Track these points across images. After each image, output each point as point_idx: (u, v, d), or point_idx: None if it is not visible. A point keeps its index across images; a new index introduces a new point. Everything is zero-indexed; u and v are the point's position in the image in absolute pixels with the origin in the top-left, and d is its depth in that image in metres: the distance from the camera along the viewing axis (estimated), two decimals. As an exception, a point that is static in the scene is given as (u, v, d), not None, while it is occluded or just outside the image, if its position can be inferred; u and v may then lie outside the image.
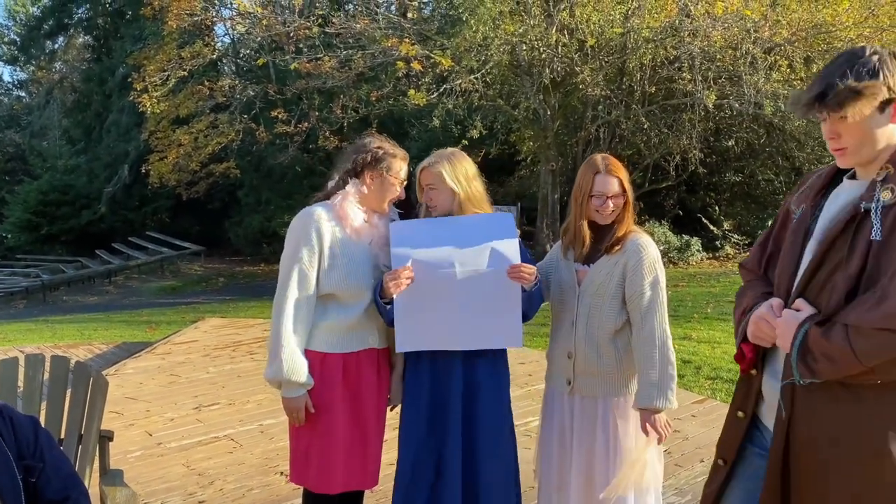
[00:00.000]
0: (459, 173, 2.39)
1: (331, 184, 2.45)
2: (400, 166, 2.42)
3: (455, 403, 2.36)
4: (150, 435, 4.64)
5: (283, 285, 2.31)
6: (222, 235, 22.83)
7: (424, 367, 2.39)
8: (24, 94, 33.90)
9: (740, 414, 1.69)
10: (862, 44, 1.61)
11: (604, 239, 2.39)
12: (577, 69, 12.11)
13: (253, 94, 16.10)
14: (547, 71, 12.23)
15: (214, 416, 5.04)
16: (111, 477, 2.35)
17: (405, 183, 2.47)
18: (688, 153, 13.49)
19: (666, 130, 13.59)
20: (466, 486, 2.36)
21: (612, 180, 2.37)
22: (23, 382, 2.42)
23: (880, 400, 1.44)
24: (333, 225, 2.33)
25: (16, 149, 30.87)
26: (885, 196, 1.44)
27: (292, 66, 13.66)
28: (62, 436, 2.33)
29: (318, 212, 2.34)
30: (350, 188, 2.39)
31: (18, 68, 33.04)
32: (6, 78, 37.14)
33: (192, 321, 9.82)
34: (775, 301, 1.61)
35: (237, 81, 17.55)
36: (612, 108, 13.28)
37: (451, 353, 2.37)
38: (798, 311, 1.53)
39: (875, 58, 1.46)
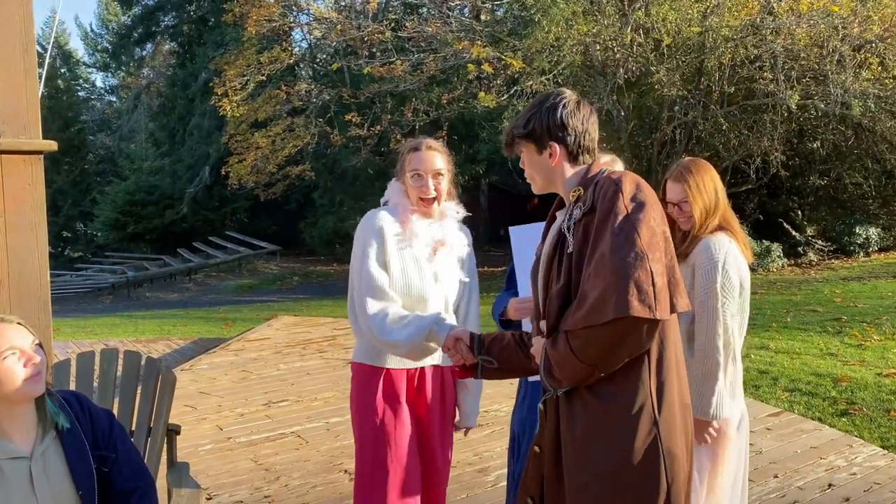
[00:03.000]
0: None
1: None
2: (411, 158, 2.25)
3: None
4: (221, 429, 4.78)
5: (358, 285, 2.18)
6: (297, 236, 23.41)
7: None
8: (114, 98, 35.71)
9: (536, 449, 1.74)
10: None
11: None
12: (653, 69, 11.83)
13: (328, 98, 16.45)
14: (621, 71, 11.99)
15: (283, 412, 5.15)
16: (177, 471, 2.43)
17: (437, 173, 2.25)
18: (769, 155, 12.97)
19: (746, 132, 13.11)
20: None
21: (676, 186, 2.30)
22: (98, 376, 2.52)
23: (620, 393, 1.55)
24: (395, 228, 2.23)
25: (106, 151, 32.55)
26: (576, 213, 1.62)
27: (366, 71, 13.87)
28: (133, 428, 2.42)
29: (381, 213, 2.27)
30: (394, 192, 2.32)
31: (110, 74, 34.86)
32: (99, 84, 39.15)
33: (266, 319, 10.09)
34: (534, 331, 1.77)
35: (313, 86, 17.98)
36: (689, 109, 12.91)
37: None
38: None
39: (536, 111, 1.72)
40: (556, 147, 1.69)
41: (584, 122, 1.71)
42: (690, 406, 1.67)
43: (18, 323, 1.73)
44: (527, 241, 2.26)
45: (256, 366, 6.66)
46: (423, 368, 2.25)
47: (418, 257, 2.23)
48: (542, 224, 2.30)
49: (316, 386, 5.86)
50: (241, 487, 3.78)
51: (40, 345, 1.74)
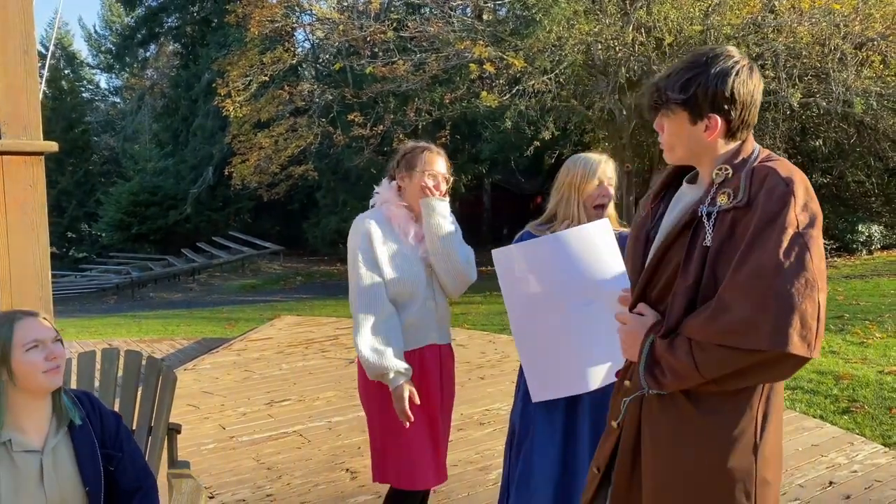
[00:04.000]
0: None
1: (376, 190, 2.54)
2: (428, 158, 2.42)
3: (584, 417, 2.34)
4: (224, 428, 4.80)
5: (354, 291, 2.36)
6: (301, 236, 23.44)
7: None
8: (118, 99, 35.80)
9: (613, 424, 1.64)
10: None
11: None
12: (655, 68, 11.82)
13: (331, 98, 16.46)
14: (623, 70, 11.99)
15: (285, 411, 5.17)
16: (178, 468, 2.44)
17: (445, 178, 2.46)
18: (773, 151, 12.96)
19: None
20: None
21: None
22: (99, 375, 2.54)
23: (724, 410, 1.43)
24: (382, 228, 2.38)
25: (110, 152, 32.64)
26: (722, 200, 1.41)
27: (368, 71, 13.88)
28: (134, 427, 2.44)
29: (367, 218, 2.41)
30: (385, 190, 2.47)
31: (114, 75, 34.95)
32: (103, 85, 39.28)
33: (269, 319, 10.11)
34: (621, 301, 1.62)
35: (316, 86, 18.00)
36: (690, 108, 12.90)
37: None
38: (641, 314, 1.53)
39: (700, 71, 1.46)
40: (717, 120, 1.45)
41: (755, 94, 1.47)
42: (782, 432, 1.54)
43: (43, 317, 1.77)
44: (512, 262, 2.29)
45: (259, 365, 6.68)
46: (422, 348, 2.42)
47: (407, 253, 2.40)
48: (526, 243, 2.32)
49: (318, 385, 5.87)
50: (244, 486, 3.79)
51: (60, 340, 1.77)
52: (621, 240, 2.33)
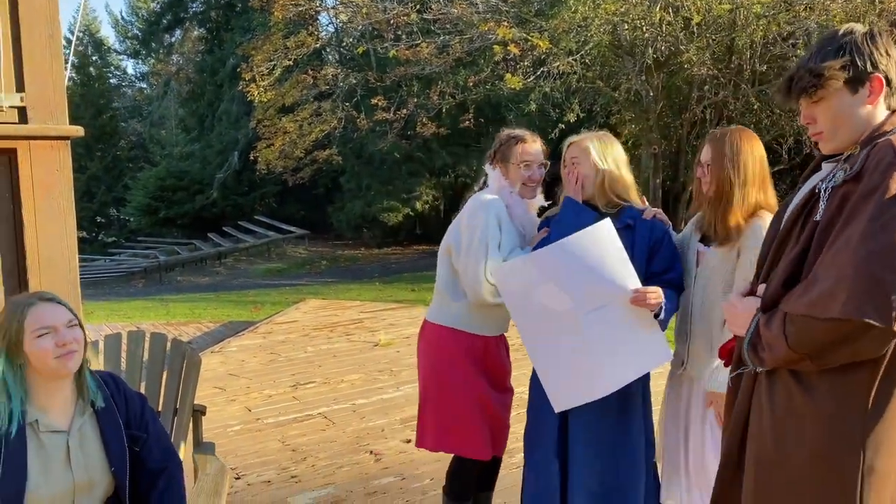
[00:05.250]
0: (607, 152, 2.37)
1: (483, 178, 2.67)
2: (523, 150, 2.55)
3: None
4: (249, 410, 4.85)
5: (476, 254, 2.44)
6: (325, 220, 23.53)
7: None
8: (145, 85, 36.08)
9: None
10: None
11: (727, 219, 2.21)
12: (683, 48, 11.61)
13: (354, 81, 16.41)
14: (650, 51, 11.79)
15: (310, 394, 5.21)
16: (203, 449, 2.47)
17: (540, 165, 2.60)
18: (802, 135, 12.68)
19: (778, 111, 12.82)
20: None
21: (708, 147, 2.26)
22: (125, 357, 2.57)
23: (830, 393, 1.38)
24: (505, 214, 2.50)
25: (138, 137, 32.97)
26: (839, 175, 1.38)
27: (391, 54, 13.81)
28: (159, 408, 2.46)
29: (496, 201, 2.50)
30: (496, 176, 2.57)
31: (140, 61, 35.19)
32: (130, 71, 39.60)
33: (294, 302, 10.19)
34: (743, 288, 1.59)
35: (340, 70, 17.96)
36: (719, 89, 12.66)
37: None
38: (759, 297, 1.51)
39: (847, 38, 1.39)
40: (880, 79, 1.39)
41: None
42: None
43: (58, 302, 1.77)
44: (518, 276, 2.28)
45: (284, 348, 6.74)
46: (498, 336, 2.64)
47: (519, 246, 2.53)
48: (529, 256, 2.30)
49: (342, 368, 5.91)
50: (269, 467, 3.84)
51: (78, 324, 1.78)
52: (630, 216, 2.31)
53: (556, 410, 2.28)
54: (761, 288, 1.51)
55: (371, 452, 4.04)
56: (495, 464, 2.76)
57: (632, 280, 2.17)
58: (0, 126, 2.75)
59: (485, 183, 2.65)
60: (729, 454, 1.58)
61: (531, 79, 11.67)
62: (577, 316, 2.17)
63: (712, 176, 2.23)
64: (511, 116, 15.32)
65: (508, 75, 11.40)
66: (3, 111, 2.77)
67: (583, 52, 11.44)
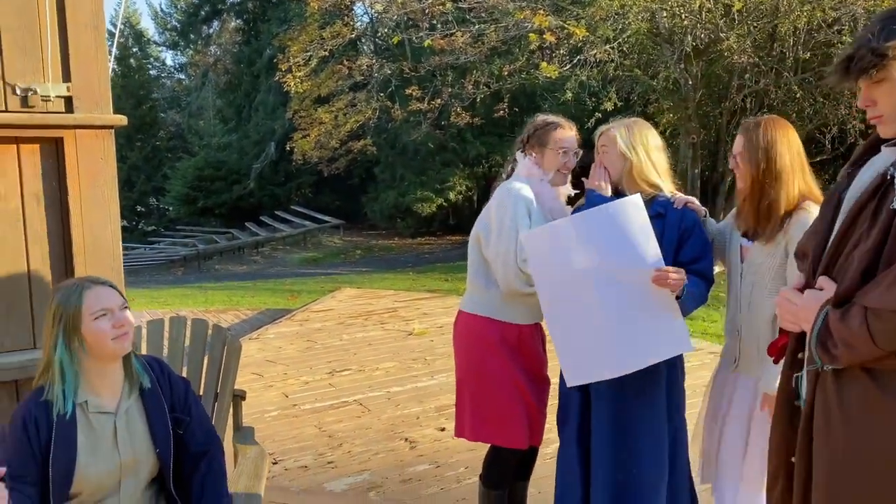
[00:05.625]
0: (636, 140, 2.33)
1: (510, 164, 2.64)
2: (559, 136, 2.54)
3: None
4: (287, 396, 4.92)
5: (507, 240, 2.43)
6: (360, 210, 23.68)
7: None
8: (183, 76, 36.59)
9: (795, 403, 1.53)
10: None
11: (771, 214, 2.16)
12: (723, 35, 11.37)
13: (389, 72, 16.44)
14: (689, 38, 11.58)
15: (346, 381, 5.26)
16: (243, 434, 2.51)
17: (575, 152, 2.59)
18: (846, 124, 12.36)
19: (821, 99, 12.51)
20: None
21: (740, 137, 2.21)
22: (167, 343, 2.63)
23: None
24: (533, 200, 2.48)
25: (176, 128, 33.50)
26: None
27: (426, 43, 13.78)
28: (200, 393, 2.51)
29: (524, 188, 2.49)
30: (525, 163, 2.55)
31: (179, 52, 35.70)
32: (169, 62, 40.20)
33: (329, 291, 10.28)
34: (798, 279, 1.50)
35: (374, 60, 18.00)
36: (760, 77, 12.38)
37: None
38: (821, 290, 1.41)
39: None
40: None
41: None
42: None
43: (110, 285, 1.82)
44: (541, 245, 2.25)
45: (320, 336, 6.82)
46: (533, 325, 2.61)
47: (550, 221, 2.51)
48: (553, 224, 2.29)
49: (377, 356, 5.95)
50: (306, 453, 3.89)
51: (128, 307, 1.83)
52: (661, 205, 2.27)
53: (568, 384, 2.27)
54: (822, 281, 1.43)
55: (406, 440, 4.07)
56: (532, 453, 2.75)
57: (655, 259, 2.12)
58: (47, 115, 2.82)
59: (512, 170, 2.63)
60: (781, 450, 1.52)
61: (567, 67, 11.56)
62: (597, 290, 2.14)
63: (744, 169, 2.18)
64: (546, 105, 15.19)
65: (544, 64, 11.30)
66: (50, 101, 2.84)
67: (620, 39, 11.29)
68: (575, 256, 2.17)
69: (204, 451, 1.92)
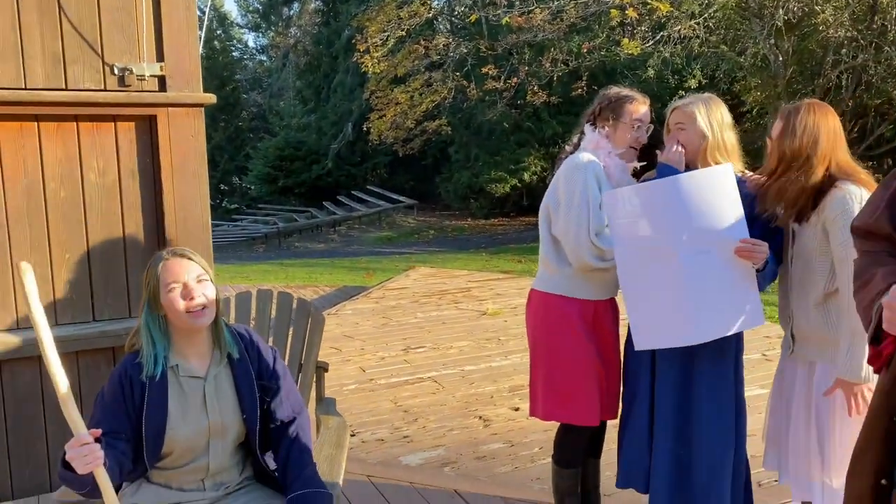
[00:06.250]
0: (713, 117, 2.30)
1: (577, 136, 2.57)
2: (635, 109, 2.45)
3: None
4: (363, 371, 5.02)
5: (577, 216, 2.36)
6: (433, 190, 23.79)
7: None
8: (265, 58, 37.48)
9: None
10: None
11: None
12: (818, 8, 10.79)
13: (465, 51, 16.37)
14: (780, 12, 11.03)
15: (420, 358, 5.32)
16: (325, 405, 2.58)
17: (647, 128, 2.51)
18: (954, 101, 11.56)
19: (927, 75, 11.73)
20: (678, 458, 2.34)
21: (778, 122, 2.19)
22: (254, 314, 2.71)
23: None
24: (603, 175, 2.42)
25: (258, 109, 34.40)
26: None
27: (504, 21, 13.64)
28: (285, 363, 2.58)
29: (592, 161, 2.41)
30: (594, 136, 2.48)
31: (260, 34, 36.58)
32: (251, 44, 41.27)
33: (404, 270, 10.40)
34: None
35: (451, 39, 17.95)
36: (858, 52, 11.69)
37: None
38: None
39: None
40: None
41: None
42: None
43: (188, 257, 1.86)
44: (625, 205, 2.22)
45: (396, 313, 6.91)
46: (607, 300, 2.55)
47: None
48: (640, 185, 2.24)
49: (452, 335, 5.99)
50: (382, 426, 3.96)
51: (208, 279, 1.86)
52: (740, 184, 2.22)
53: (637, 348, 2.27)
54: None
55: (480, 418, 4.08)
56: (603, 430, 2.73)
57: (741, 230, 2.10)
58: (142, 94, 2.94)
59: (577, 143, 2.55)
60: (869, 472, 1.35)
61: (650, 44, 11.24)
62: (678, 256, 2.12)
63: (773, 150, 2.18)
64: (626, 83, 14.82)
65: (625, 40, 11.02)
66: (144, 80, 2.95)
67: (706, 14, 10.87)
68: (662, 220, 2.15)
69: (291, 420, 1.97)
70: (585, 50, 12.91)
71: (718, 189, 2.10)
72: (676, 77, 12.41)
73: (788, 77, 12.35)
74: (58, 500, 1.98)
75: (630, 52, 10.96)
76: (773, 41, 11.66)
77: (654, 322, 2.22)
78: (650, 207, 2.16)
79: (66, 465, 1.59)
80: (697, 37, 11.30)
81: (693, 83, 11.36)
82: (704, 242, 2.11)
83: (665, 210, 2.14)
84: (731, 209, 2.10)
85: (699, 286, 2.13)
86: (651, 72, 11.38)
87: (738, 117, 16.33)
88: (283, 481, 1.90)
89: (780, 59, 11.98)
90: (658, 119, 2.49)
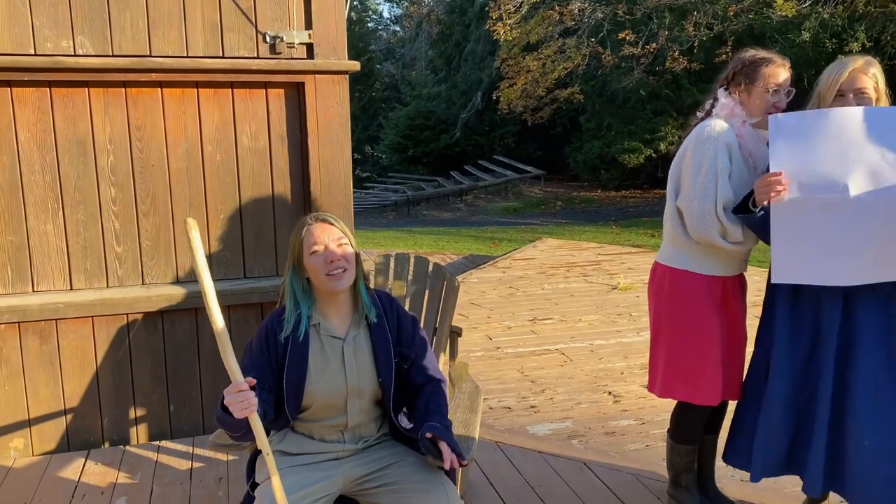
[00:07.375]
0: (881, 83, 2.17)
1: (709, 102, 2.44)
2: (772, 73, 2.28)
3: (829, 348, 2.18)
4: (490, 339, 5.05)
5: (703, 188, 2.25)
6: (562, 160, 23.39)
7: (807, 301, 2.23)
8: (398, 28, 38.05)
9: None
10: None
11: None
12: None
13: (602, 16, 15.84)
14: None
15: (547, 329, 5.29)
16: (458, 368, 2.61)
17: (787, 92, 2.32)
18: None
19: None
20: (835, 448, 2.18)
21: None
22: (392, 276, 2.78)
23: None
24: (736, 144, 2.29)
25: (391, 79, 35.06)
26: None
27: (644, -16, 13.05)
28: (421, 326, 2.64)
29: (724, 131, 2.28)
30: (727, 101, 2.34)
31: (395, 5, 37.12)
32: (385, 14, 42.01)
33: (530, 240, 10.34)
34: None
35: (587, 4, 17.42)
36: None
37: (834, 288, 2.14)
38: None
39: None
40: None
41: None
42: None
43: (330, 222, 1.93)
44: (796, 130, 2.07)
45: (522, 283, 6.89)
46: (736, 276, 2.44)
47: (747, 181, 2.29)
48: (821, 112, 2.06)
49: (580, 308, 5.90)
50: (509, 395, 3.98)
51: (348, 242, 1.92)
52: None
53: (774, 280, 2.15)
54: None
55: (609, 393, 4.01)
56: (723, 406, 2.61)
57: None
58: (292, 61, 3.05)
59: (709, 110, 2.40)
60: None
61: (807, 4, 10.37)
62: (849, 192, 2.00)
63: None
64: (777, 48, 13.81)
65: (779, 1, 10.23)
66: (294, 48, 3.06)
67: (874, -30, 9.88)
68: (832, 152, 2.03)
69: (428, 381, 2.00)
70: (732, 13, 12.12)
71: None
72: (835, 41, 11.40)
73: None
74: (212, 442, 2.13)
75: (784, 13, 10.16)
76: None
77: (799, 256, 2.10)
78: (828, 134, 2.03)
79: (224, 409, 1.69)
80: (863, -5, 10.32)
81: (856, 46, 10.39)
82: (878, 183, 1.99)
83: (845, 140, 2.01)
84: None
85: (867, 227, 2.01)
86: (806, 35, 10.53)
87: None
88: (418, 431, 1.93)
89: (962, 18, 10.72)
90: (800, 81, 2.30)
